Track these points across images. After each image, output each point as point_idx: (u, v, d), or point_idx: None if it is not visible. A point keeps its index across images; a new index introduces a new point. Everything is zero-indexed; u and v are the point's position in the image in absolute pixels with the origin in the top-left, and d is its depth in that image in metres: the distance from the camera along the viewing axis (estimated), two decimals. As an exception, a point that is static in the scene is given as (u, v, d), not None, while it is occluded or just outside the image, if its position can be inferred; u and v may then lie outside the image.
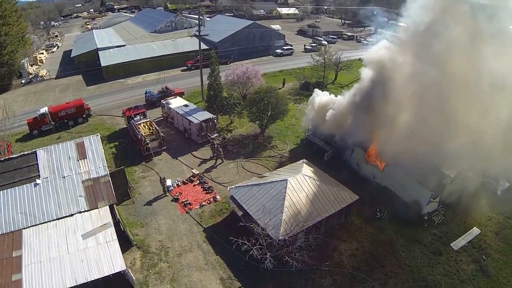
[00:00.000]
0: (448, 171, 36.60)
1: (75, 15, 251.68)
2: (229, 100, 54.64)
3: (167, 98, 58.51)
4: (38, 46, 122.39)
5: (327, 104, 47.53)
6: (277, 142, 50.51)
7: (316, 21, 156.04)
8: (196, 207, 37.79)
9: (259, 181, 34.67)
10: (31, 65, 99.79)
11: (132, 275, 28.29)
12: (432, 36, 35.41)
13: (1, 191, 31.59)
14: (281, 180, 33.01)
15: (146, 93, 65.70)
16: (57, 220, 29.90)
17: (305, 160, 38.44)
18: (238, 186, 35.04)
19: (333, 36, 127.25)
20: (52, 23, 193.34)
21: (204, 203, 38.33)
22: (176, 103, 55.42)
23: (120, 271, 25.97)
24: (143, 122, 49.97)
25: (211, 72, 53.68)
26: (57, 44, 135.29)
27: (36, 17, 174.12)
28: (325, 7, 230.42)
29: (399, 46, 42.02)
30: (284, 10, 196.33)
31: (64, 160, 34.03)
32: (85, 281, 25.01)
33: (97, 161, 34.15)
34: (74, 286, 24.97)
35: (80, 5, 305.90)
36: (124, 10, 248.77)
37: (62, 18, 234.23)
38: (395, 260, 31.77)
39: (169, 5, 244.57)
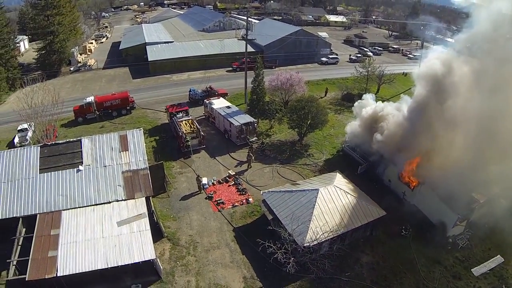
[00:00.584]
0: (478, 196, 36.10)
1: (125, 7, 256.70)
2: (270, 105, 55.47)
3: (210, 98, 59.86)
4: (88, 36, 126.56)
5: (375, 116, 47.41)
6: (313, 151, 51.01)
7: (363, 31, 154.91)
8: (228, 207, 38.95)
9: (292, 188, 35.60)
10: (80, 54, 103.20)
11: (160, 264, 29.70)
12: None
13: (46, 173, 34.09)
14: (312, 189, 33.81)
15: (190, 91, 67.08)
16: (95, 206, 32.01)
17: (338, 171, 39.00)
18: (271, 191, 36.06)
19: (379, 48, 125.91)
20: (103, 14, 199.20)
21: (236, 204, 39.46)
22: (219, 103, 56.69)
23: (150, 260, 27.36)
24: (185, 120, 51.33)
25: (255, 76, 54.75)
26: (106, 35, 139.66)
27: (88, 7, 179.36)
28: (374, 17, 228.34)
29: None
30: (332, 18, 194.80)
31: (107, 150, 36.09)
32: (115, 265, 26.65)
33: (138, 154, 35.98)
34: (105, 268, 26.52)
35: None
36: (173, 6, 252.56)
37: (113, 10, 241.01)
38: (413, 279, 31.90)
39: (218, 4, 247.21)
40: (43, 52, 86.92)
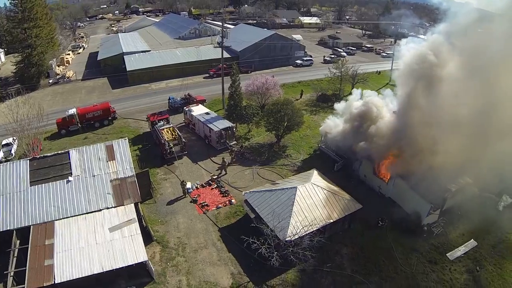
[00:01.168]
0: (450, 186, 38.79)
1: (100, 16, 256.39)
2: (248, 110, 57.43)
3: (190, 106, 61.55)
4: (64, 47, 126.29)
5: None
6: (291, 151, 53.11)
7: (336, 32, 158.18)
8: (212, 209, 40.80)
9: (272, 187, 37.71)
10: (58, 66, 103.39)
11: (152, 266, 31.39)
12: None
13: (37, 186, 35.48)
14: (291, 188, 35.96)
15: (169, 99, 68.72)
16: (86, 214, 33.55)
17: (315, 170, 41.24)
18: (252, 191, 38.09)
19: (353, 48, 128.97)
20: (78, 23, 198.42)
21: (220, 205, 41.32)
22: (198, 110, 58.49)
23: (142, 262, 29.23)
24: (166, 128, 52.92)
25: (232, 83, 56.63)
26: (83, 45, 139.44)
27: (63, 18, 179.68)
28: (347, 17, 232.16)
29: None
30: (306, 20, 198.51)
31: (95, 161, 37.72)
32: (111, 269, 28.32)
33: (124, 163, 37.73)
34: (101, 272, 28.24)
35: (105, 6, 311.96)
36: (148, 13, 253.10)
37: (88, 19, 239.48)
38: (392, 266, 34.18)
39: (193, 10, 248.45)
40: (21, 65, 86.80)
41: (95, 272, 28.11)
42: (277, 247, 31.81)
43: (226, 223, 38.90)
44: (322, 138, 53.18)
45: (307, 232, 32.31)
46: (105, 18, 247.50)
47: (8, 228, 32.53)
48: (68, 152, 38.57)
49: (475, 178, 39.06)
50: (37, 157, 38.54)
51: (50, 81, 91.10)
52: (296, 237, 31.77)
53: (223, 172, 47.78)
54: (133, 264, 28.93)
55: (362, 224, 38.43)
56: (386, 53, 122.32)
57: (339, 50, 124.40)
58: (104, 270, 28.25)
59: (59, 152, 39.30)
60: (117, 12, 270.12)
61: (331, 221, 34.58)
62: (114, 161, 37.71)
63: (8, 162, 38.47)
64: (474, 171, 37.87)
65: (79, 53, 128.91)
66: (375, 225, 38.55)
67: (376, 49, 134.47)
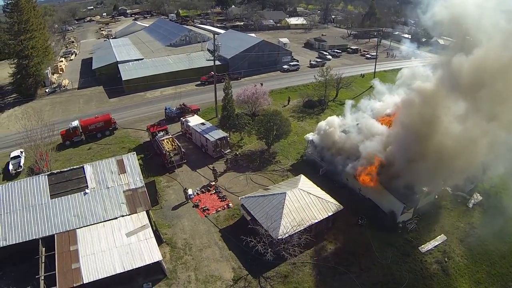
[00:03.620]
0: (423, 187, 43.76)
1: (88, 18, 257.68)
2: (240, 120, 61.82)
3: (186, 116, 65.92)
4: (56, 53, 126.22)
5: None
6: (280, 157, 57.97)
7: (322, 34, 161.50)
8: (213, 212, 45.85)
9: (264, 193, 42.88)
10: (53, 74, 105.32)
11: (164, 264, 36.40)
12: None
13: (58, 198, 39.95)
14: (281, 193, 41.31)
15: (165, 109, 72.66)
16: (104, 222, 38.22)
17: (302, 175, 46.50)
18: (247, 197, 43.27)
19: (338, 51, 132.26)
20: (67, 27, 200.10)
21: (219, 209, 46.37)
22: (194, 121, 63.02)
23: (158, 261, 34.43)
24: (166, 138, 57.25)
25: (225, 95, 60.98)
26: (74, 51, 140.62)
27: (53, 23, 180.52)
28: (333, 16, 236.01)
29: None
30: (292, 21, 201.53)
31: (107, 174, 42.38)
32: (131, 268, 33.33)
33: (134, 175, 42.54)
34: (122, 272, 33.19)
35: (92, 7, 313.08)
36: (136, 15, 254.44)
37: (76, 22, 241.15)
38: (370, 259, 39.59)
39: (181, 12, 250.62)
40: (18, 76, 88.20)
41: (118, 271, 32.96)
42: (271, 245, 37.00)
43: (226, 224, 43.97)
44: (308, 145, 57.76)
45: (296, 231, 37.58)
46: (93, 20, 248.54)
47: (34, 237, 36.49)
48: (82, 167, 43.02)
49: (448, 179, 44.58)
50: (55, 172, 42.68)
51: (47, 90, 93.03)
52: (286, 236, 37.02)
53: (215, 180, 51.89)
54: (149, 264, 33.90)
55: (344, 223, 43.60)
56: (370, 55, 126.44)
57: (325, 53, 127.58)
58: (126, 270, 33.14)
59: (74, 167, 43.57)
60: (105, 14, 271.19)
61: (316, 221, 39.90)
62: (125, 173, 42.41)
63: (28, 178, 42.25)
64: (447, 174, 42.91)
65: (71, 59, 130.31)
66: (356, 223, 43.82)
67: (361, 50, 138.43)
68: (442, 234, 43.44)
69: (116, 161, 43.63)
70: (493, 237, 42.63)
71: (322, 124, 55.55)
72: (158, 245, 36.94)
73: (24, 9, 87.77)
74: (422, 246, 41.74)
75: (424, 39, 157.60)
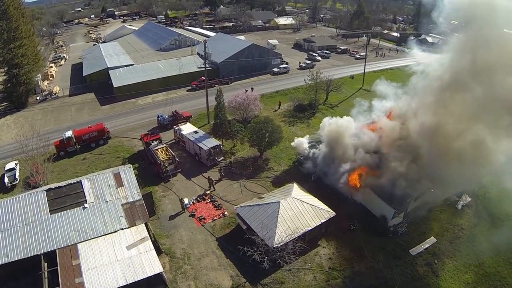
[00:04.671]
0: (412, 191, 45.14)
1: (76, 21, 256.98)
2: (232, 127, 62.84)
3: (179, 124, 66.73)
4: (45, 58, 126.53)
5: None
6: (273, 164, 58.98)
7: (311, 35, 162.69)
8: (209, 221, 46.90)
9: (259, 202, 44.14)
10: (43, 80, 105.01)
11: (164, 275, 37.54)
12: None
13: (57, 213, 40.80)
14: (275, 202, 42.57)
15: (158, 117, 73.12)
16: (104, 236, 39.16)
17: (295, 183, 47.85)
18: (243, 206, 44.46)
19: (327, 51, 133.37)
20: (56, 30, 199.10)
21: (215, 218, 47.46)
22: (187, 129, 63.75)
23: (159, 273, 35.62)
24: (160, 148, 57.95)
25: (217, 104, 61.95)
26: (64, 56, 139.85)
27: (41, 27, 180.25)
28: (321, 15, 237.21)
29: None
30: (281, 21, 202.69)
31: (105, 188, 43.33)
32: (133, 281, 34.40)
33: (131, 188, 43.55)
34: (125, 284, 34.23)
35: (80, 9, 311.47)
36: (125, 17, 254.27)
37: (64, 25, 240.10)
38: (362, 263, 41.03)
39: (169, 13, 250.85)
40: (8, 85, 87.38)
41: (121, 284, 33.95)
42: (267, 253, 38.32)
43: (222, 233, 45.11)
44: (308, 155, 57.98)
45: (290, 239, 38.87)
46: (82, 23, 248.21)
47: (36, 253, 37.26)
48: (80, 182, 43.86)
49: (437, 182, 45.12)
50: (53, 187, 43.33)
51: (38, 97, 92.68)
52: (281, 244, 38.35)
53: (212, 188, 52.85)
54: (151, 276, 35.01)
55: (337, 228, 44.97)
56: (359, 55, 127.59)
57: (314, 54, 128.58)
58: (128, 282, 34.18)
59: (72, 182, 44.27)
60: (93, 16, 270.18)
61: (310, 228, 41.23)
62: (122, 187, 43.37)
63: (26, 193, 42.82)
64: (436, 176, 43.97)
65: (61, 65, 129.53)
66: (348, 228, 45.21)
67: (350, 50, 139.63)
68: (432, 237, 44.95)
69: (113, 175, 44.55)
70: (481, 238, 44.48)
71: (334, 130, 54.32)
72: (158, 256, 37.96)
73: (13, 17, 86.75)
74: (413, 249, 43.19)
75: (412, 38, 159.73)
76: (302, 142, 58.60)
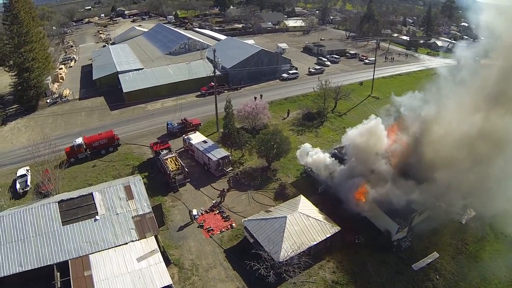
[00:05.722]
0: (417, 206, 46.00)
1: (86, 20, 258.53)
2: (241, 137, 63.51)
3: (188, 133, 67.28)
4: (55, 59, 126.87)
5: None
6: (281, 175, 59.68)
7: (321, 39, 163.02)
8: (217, 233, 47.88)
9: (266, 216, 45.15)
10: (53, 83, 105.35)
11: (173, 287, 38.46)
12: None
13: (69, 225, 41.92)
14: (282, 217, 43.55)
15: (167, 124, 73.83)
16: (115, 247, 40.22)
17: (301, 196, 48.88)
18: (250, 219, 45.52)
19: (337, 56, 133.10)
20: (65, 30, 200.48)
21: (223, 229, 48.41)
22: (196, 138, 64.55)
23: (168, 285, 36.60)
24: (169, 157, 58.87)
25: (226, 114, 62.95)
26: (74, 57, 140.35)
27: (51, 26, 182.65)
28: (331, 17, 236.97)
29: None
30: (291, 23, 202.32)
31: (116, 200, 44.44)
32: (144, 292, 35.41)
33: (142, 200, 44.66)
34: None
35: (90, 7, 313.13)
36: (134, 17, 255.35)
37: (74, 24, 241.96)
38: (365, 277, 41.92)
39: (179, 13, 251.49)
40: (19, 88, 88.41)
41: (132, 295, 35.26)
42: (273, 267, 39.29)
43: (230, 245, 46.09)
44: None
45: (296, 253, 39.81)
46: (92, 22, 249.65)
47: (49, 263, 38.46)
48: (91, 194, 44.98)
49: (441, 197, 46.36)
50: (65, 199, 44.34)
51: (48, 100, 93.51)
52: (287, 258, 39.34)
53: (222, 199, 53.51)
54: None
55: (341, 242, 45.63)
56: (369, 60, 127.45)
57: (323, 59, 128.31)
58: (139, 294, 35.43)
59: (83, 194, 45.40)
60: (103, 15, 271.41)
61: (315, 243, 42.20)
62: (133, 200, 44.47)
63: (39, 205, 43.96)
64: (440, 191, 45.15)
65: (71, 66, 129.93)
66: (352, 242, 45.95)
67: (359, 55, 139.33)
68: (435, 252, 45.55)
69: (123, 187, 45.64)
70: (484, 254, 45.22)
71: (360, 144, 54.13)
72: (166, 266, 39.05)
73: (24, 21, 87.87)
74: (415, 264, 43.86)
75: (422, 41, 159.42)
76: (323, 158, 56.67)
